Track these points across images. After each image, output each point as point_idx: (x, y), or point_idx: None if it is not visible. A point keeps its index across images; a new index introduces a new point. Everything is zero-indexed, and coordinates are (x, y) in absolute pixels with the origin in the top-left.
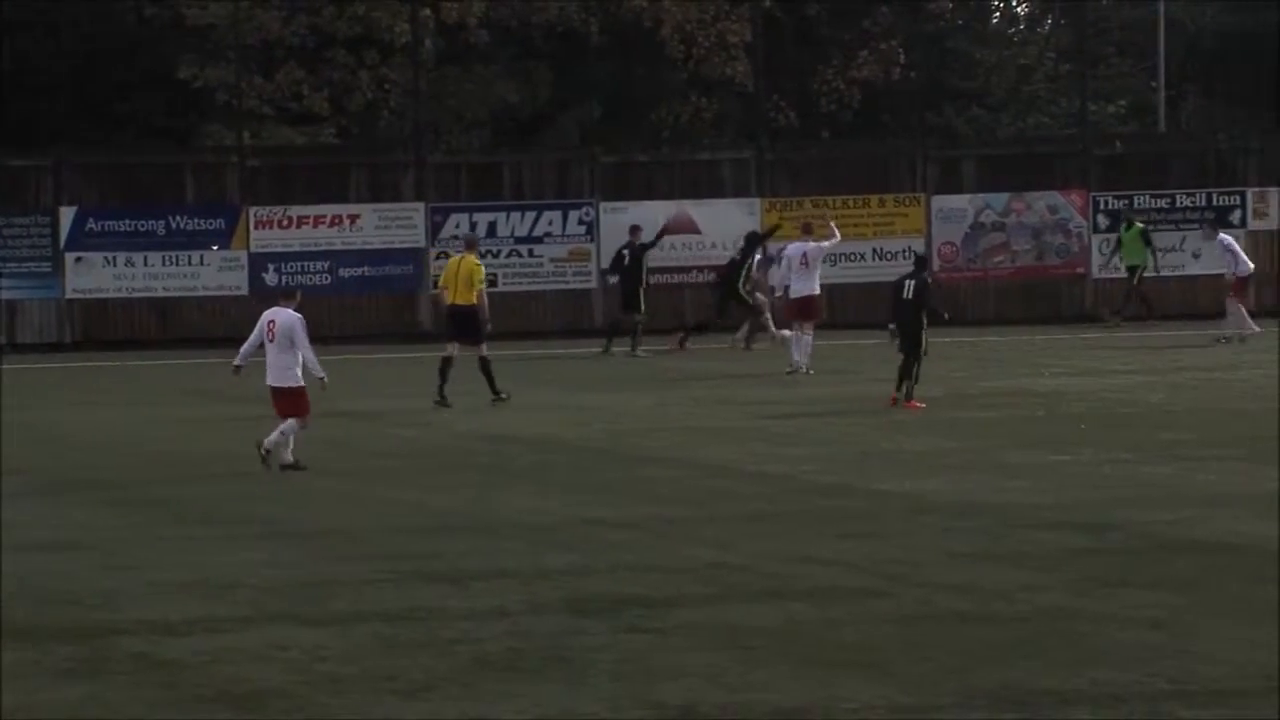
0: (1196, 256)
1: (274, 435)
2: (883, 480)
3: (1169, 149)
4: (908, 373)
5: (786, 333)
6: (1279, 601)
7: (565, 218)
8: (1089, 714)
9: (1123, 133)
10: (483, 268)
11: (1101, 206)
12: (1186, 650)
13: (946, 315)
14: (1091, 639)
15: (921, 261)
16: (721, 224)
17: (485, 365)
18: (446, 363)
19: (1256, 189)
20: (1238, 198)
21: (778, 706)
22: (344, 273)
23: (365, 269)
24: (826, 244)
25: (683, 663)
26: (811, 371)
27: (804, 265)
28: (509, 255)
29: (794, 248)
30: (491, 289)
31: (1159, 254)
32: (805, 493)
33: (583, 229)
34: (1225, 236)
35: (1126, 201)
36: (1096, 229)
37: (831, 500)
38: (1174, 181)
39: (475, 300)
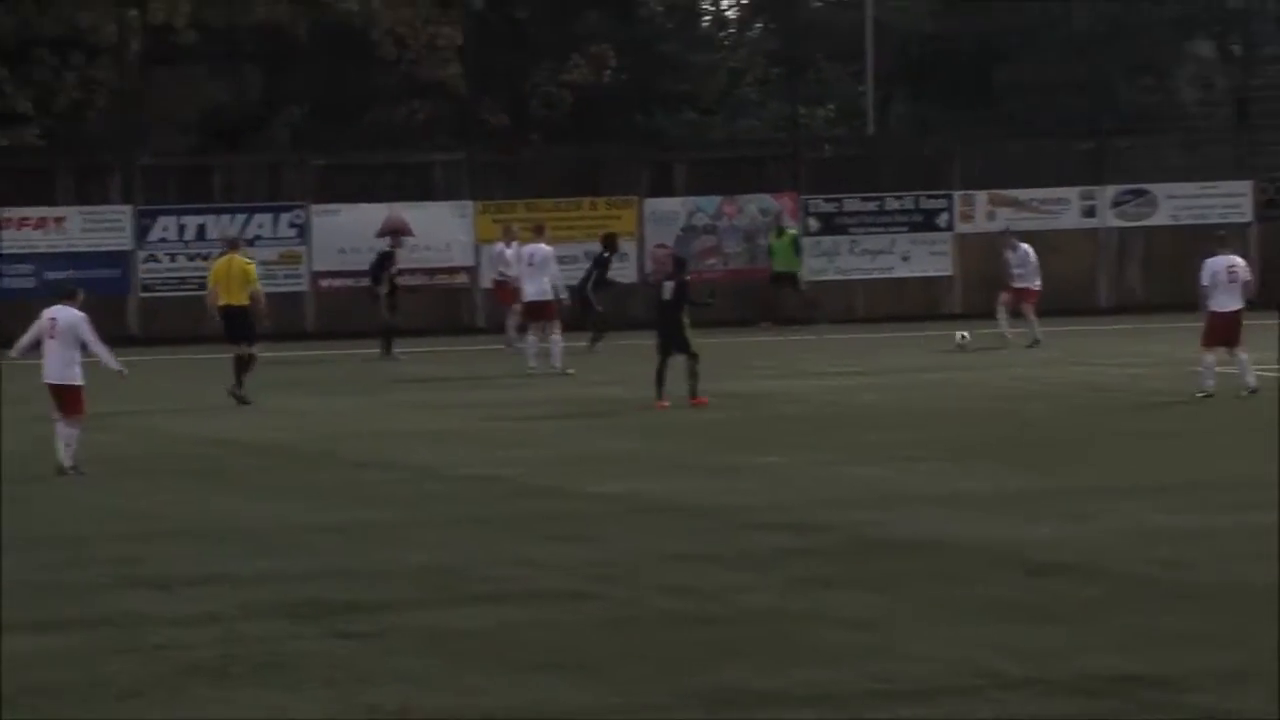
0: (906, 259)
1: (62, 447)
2: (596, 483)
3: (878, 152)
4: (662, 378)
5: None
6: (984, 599)
7: (276, 220)
8: (799, 713)
9: (832, 136)
10: (254, 266)
11: (812, 209)
12: (893, 649)
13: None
14: (801, 639)
15: (680, 263)
16: (434, 227)
17: (247, 362)
18: (239, 361)
19: (963, 192)
20: (945, 200)
21: (490, 709)
22: (50, 275)
23: (71, 272)
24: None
25: (396, 667)
26: (571, 371)
27: (531, 266)
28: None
29: (526, 250)
30: (201, 292)
31: (870, 256)
32: (518, 495)
33: (294, 232)
34: (1025, 246)
35: (836, 204)
36: (807, 231)
37: (545, 503)
38: (883, 184)
39: (248, 300)
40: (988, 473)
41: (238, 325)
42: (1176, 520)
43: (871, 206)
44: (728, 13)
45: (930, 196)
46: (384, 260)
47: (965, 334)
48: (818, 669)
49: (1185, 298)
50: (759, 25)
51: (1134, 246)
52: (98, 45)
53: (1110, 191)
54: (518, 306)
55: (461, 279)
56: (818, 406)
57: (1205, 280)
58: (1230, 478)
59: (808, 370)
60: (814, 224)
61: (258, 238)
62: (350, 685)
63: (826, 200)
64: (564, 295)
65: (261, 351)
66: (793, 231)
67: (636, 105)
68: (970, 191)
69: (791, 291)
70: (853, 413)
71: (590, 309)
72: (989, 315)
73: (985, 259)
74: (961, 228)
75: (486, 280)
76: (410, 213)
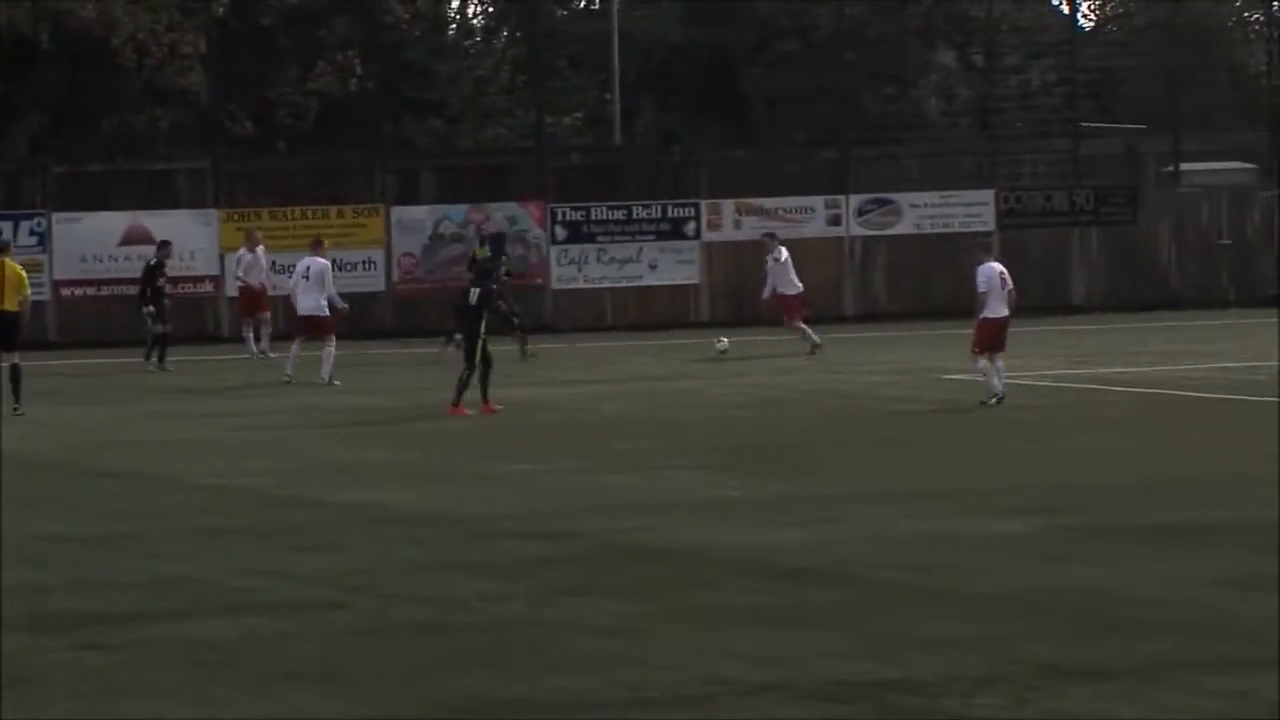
0: (653, 267)
1: None
2: (343, 492)
3: (624, 161)
4: (468, 381)
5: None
6: (734, 606)
7: (16, 229)
8: None
9: (579, 145)
10: (25, 274)
11: (559, 218)
12: (643, 657)
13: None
14: (552, 647)
15: (485, 272)
16: (178, 235)
17: (16, 373)
18: (12, 371)
19: (710, 200)
20: (692, 209)
21: None
22: None
23: None
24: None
25: (144, 679)
26: (338, 383)
27: (306, 280)
28: None
29: (302, 263)
30: None
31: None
32: (264, 506)
33: (35, 240)
34: (782, 249)
35: (583, 212)
36: (555, 240)
37: (291, 512)
38: (630, 193)
39: (19, 306)
40: (737, 479)
41: (5, 333)
42: (925, 525)
43: (619, 215)
44: (474, 21)
45: (677, 205)
46: (152, 272)
47: (724, 340)
48: (568, 677)
49: (928, 305)
50: (505, 33)
51: (878, 255)
52: None
53: (855, 200)
54: (264, 315)
55: (206, 287)
56: (568, 414)
57: (982, 286)
58: (978, 484)
59: (557, 379)
60: (561, 232)
61: None
62: (96, 699)
63: (574, 209)
64: (342, 306)
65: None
66: (489, 250)
67: (383, 113)
68: (717, 200)
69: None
70: (602, 421)
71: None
72: (737, 323)
73: (733, 267)
74: (709, 236)
75: (231, 289)
76: (153, 221)
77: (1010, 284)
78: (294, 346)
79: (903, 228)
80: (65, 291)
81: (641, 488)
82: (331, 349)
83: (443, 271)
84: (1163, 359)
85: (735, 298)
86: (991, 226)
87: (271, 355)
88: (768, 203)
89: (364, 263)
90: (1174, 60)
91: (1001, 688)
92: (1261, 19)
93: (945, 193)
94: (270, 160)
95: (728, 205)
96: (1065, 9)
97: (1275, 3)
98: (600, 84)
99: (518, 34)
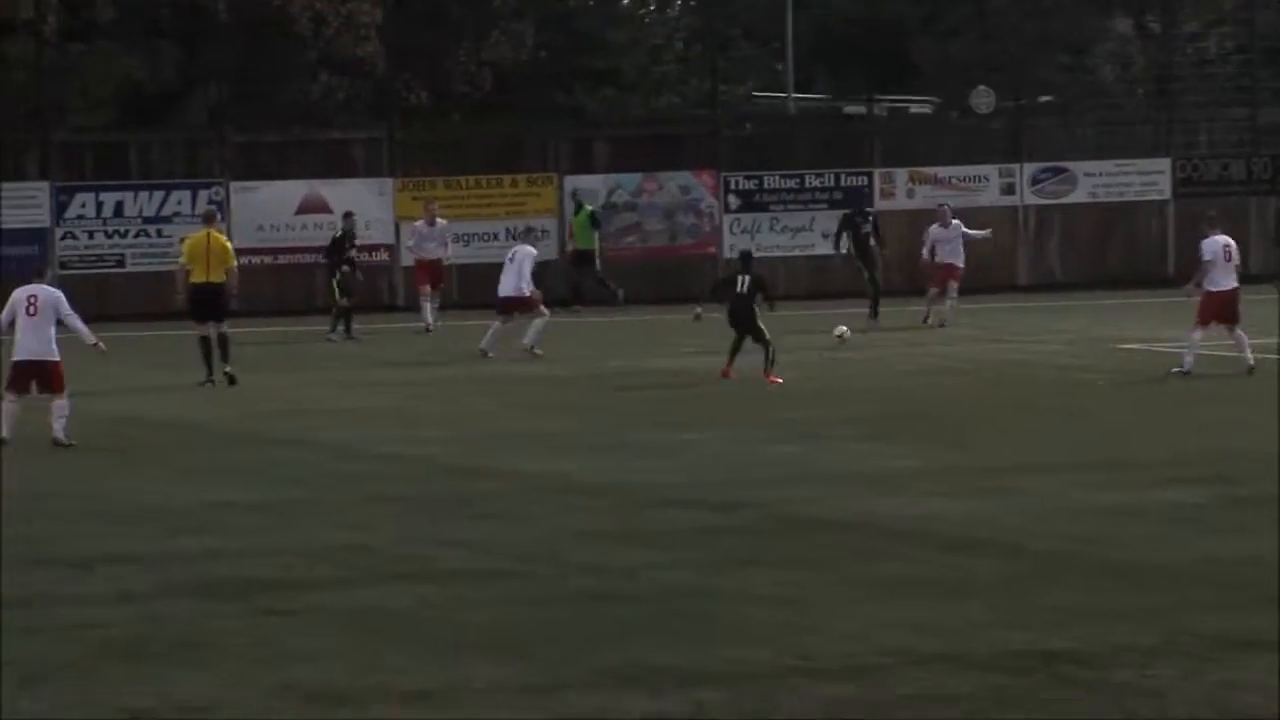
0: (825, 236)
1: (55, 423)
2: (516, 461)
3: (798, 130)
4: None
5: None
6: (903, 577)
7: (194, 198)
8: (719, 692)
9: (753, 113)
10: (230, 245)
11: (733, 187)
12: (814, 627)
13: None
14: (721, 617)
15: (747, 257)
16: (354, 204)
17: (224, 342)
18: (205, 343)
19: (883, 169)
20: (865, 178)
21: (409, 688)
22: None
23: None
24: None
25: (315, 645)
26: (539, 352)
27: (510, 263)
28: (137, 235)
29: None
30: (119, 269)
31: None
32: (438, 474)
33: (213, 209)
34: (957, 222)
35: (756, 181)
36: (728, 209)
37: (464, 482)
38: (803, 162)
39: (225, 277)
40: (907, 449)
41: (212, 304)
42: (1097, 497)
43: (791, 184)
44: None
45: (850, 174)
46: (340, 243)
47: (844, 328)
48: (736, 647)
49: (1103, 275)
50: (679, 2)
51: (1052, 224)
52: (13, 21)
53: (1029, 169)
54: (439, 287)
55: (382, 256)
56: (738, 385)
57: (1207, 257)
58: (1150, 456)
59: (726, 349)
60: (734, 201)
61: (176, 214)
62: (268, 663)
63: (746, 177)
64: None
65: (184, 330)
66: (590, 208)
67: (557, 82)
68: (890, 169)
69: (589, 271)
70: (777, 390)
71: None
72: (911, 292)
73: (906, 236)
74: (882, 205)
75: (407, 259)
76: (330, 190)
77: (1237, 256)
78: (496, 323)
79: (1077, 196)
80: (243, 260)
81: (810, 458)
82: (540, 320)
83: (616, 240)
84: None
85: (909, 267)
86: (1167, 195)
87: (434, 326)
88: (941, 171)
89: (539, 231)
90: None
91: (1174, 659)
92: None
93: (1120, 161)
94: (445, 130)
95: (901, 174)
96: None
97: None
98: (774, 52)
99: (692, 3)
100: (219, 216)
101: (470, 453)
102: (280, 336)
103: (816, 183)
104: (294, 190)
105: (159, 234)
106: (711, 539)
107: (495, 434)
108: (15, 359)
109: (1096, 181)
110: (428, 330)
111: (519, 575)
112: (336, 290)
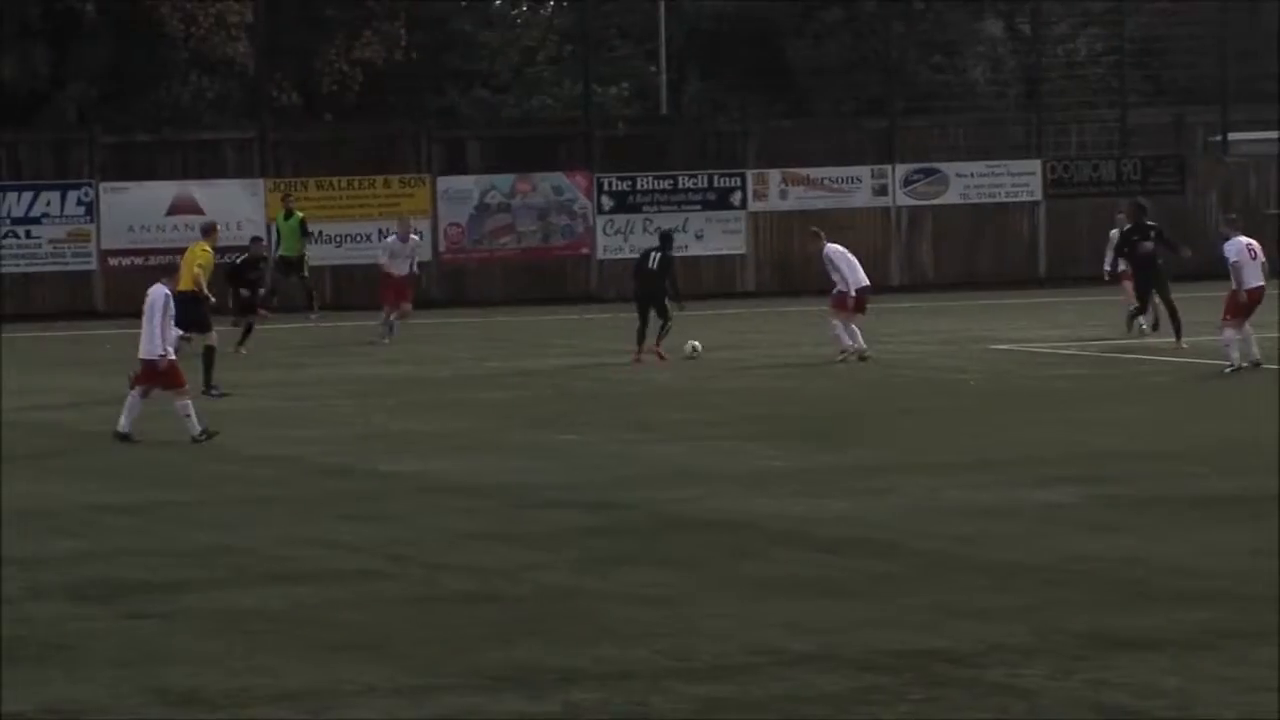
0: (699, 238)
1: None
2: (389, 461)
3: (671, 131)
4: (642, 335)
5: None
6: (777, 576)
7: (64, 198)
8: (594, 692)
9: (626, 115)
10: (210, 254)
11: (606, 188)
12: (689, 627)
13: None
14: (596, 617)
15: (666, 238)
16: (225, 205)
17: (209, 354)
18: (211, 351)
19: (756, 170)
20: (738, 179)
21: (282, 689)
22: None
23: None
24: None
25: (187, 647)
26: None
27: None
28: (6, 236)
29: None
30: None
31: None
32: (311, 475)
33: (82, 210)
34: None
35: (630, 182)
36: (601, 210)
37: (338, 482)
38: (676, 163)
39: (194, 286)
40: (782, 450)
41: (186, 313)
42: (971, 497)
43: (665, 185)
44: None
45: (724, 175)
46: (242, 268)
47: (696, 344)
48: (612, 646)
49: (975, 275)
50: (551, 3)
51: (924, 225)
52: None
53: (901, 170)
54: (406, 306)
55: None
56: (614, 385)
57: (1233, 257)
58: (1022, 455)
59: (604, 349)
60: (607, 203)
61: (45, 215)
62: (141, 666)
63: (620, 179)
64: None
65: (53, 332)
66: (300, 214)
67: (429, 83)
68: (764, 170)
69: (297, 279)
70: (648, 391)
71: None
72: (783, 293)
73: (779, 237)
74: (755, 206)
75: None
76: (200, 191)
77: (1262, 254)
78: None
79: (949, 198)
80: (113, 261)
81: (687, 458)
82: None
83: (489, 241)
84: (1212, 329)
85: (781, 268)
86: (1038, 197)
87: (386, 341)
88: (814, 173)
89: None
90: (1222, 29)
91: (1047, 658)
92: None
93: (992, 162)
94: (317, 130)
95: (774, 175)
96: None
97: None
98: (648, 54)
99: (565, 3)
100: (215, 229)
101: (343, 453)
102: None
103: (690, 184)
104: (165, 191)
105: (28, 235)
106: (587, 539)
107: (369, 435)
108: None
109: (968, 183)
110: (385, 341)
111: (393, 576)
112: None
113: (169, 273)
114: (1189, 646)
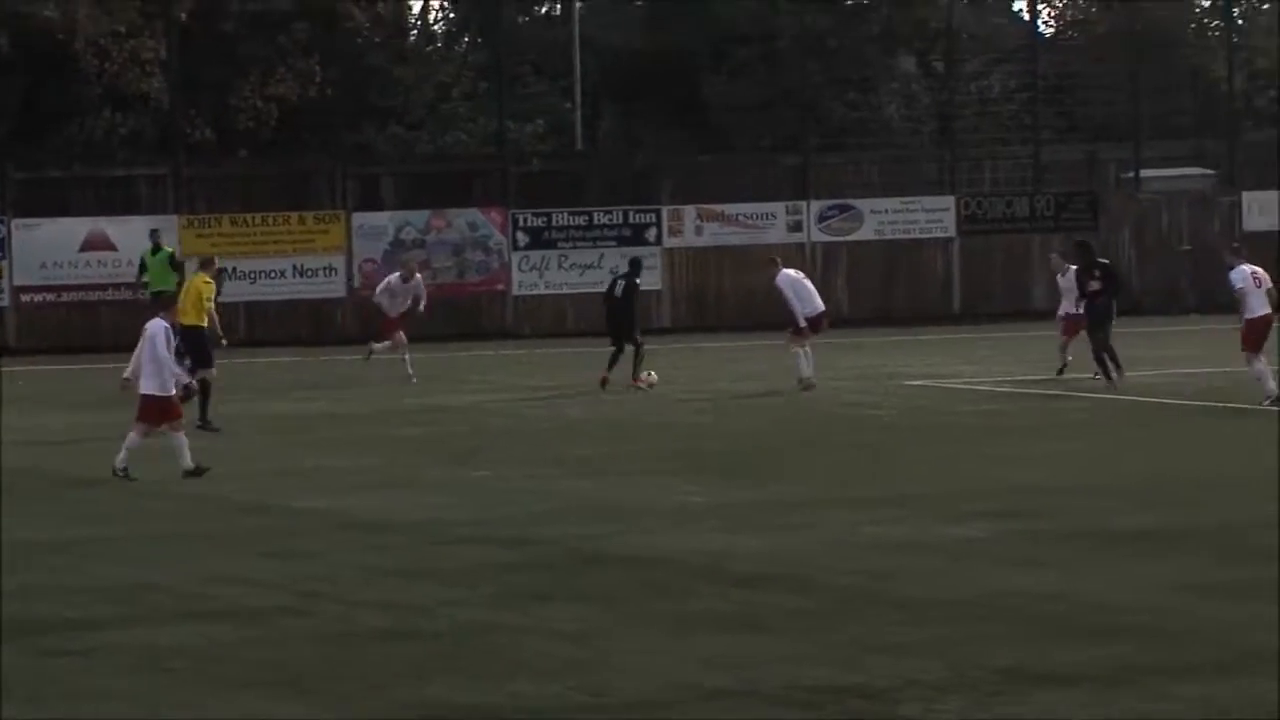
0: (613, 273)
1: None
2: (305, 498)
3: (586, 167)
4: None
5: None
6: (694, 612)
7: None
8: None
9: (541, 151)
10: (212, 286)
11: (521, 224)
12: (606, 662)
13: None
14: (514, 653)
15: (635, 264)
16: (138, 242)
17: (205, 388)
18: (207, 386)
19: (671, 206)
20: (654, 215)
21: None
22: None
23: None
24: None
25: (103, 685)
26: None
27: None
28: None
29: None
30: None
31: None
32: (228, 512)
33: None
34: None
35: (545, 218)
36: (516, 246)
37: (254, 519)
38: (592, 199)
39: (204, 321)
40: (698, 485)
41: (190, 348)
42: (886, 531)
43: (580, 221)
44: (435, 26)
45: (639, 211)
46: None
47: (652, 374)
48: (529, 683)
49: (890, 311)
50: (466, 39)
51: (839, 261)
52: None
53: (816, 206)
54: (399, 337)
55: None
56: (530, 421)
57: (1239, 284)
58: (939, 490)
59: (518, 385)
60: (522, 239)
61: None
62: (57, 704)
63: (535, 215)
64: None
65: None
66: (168, 249)
67: (344, 119)
68: (679, 206)
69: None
70: (565, 427)
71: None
72: (698, 329)
73: (694, 273)
74: (670, 242)
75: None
76: (114, 227)
77: (1267, 281)
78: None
79: (864, 234)
80: (25, 298)
81: (604, 493)
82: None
83: None
84: (1126, 364)
85: (697, 303)
86: (952, 233)
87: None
88: (729, 209)
89: (325, 269)
90: (1134, 67)
91: (963, 693)
92: (1221, 25)
93: (906, 199)
94: (231, 166)
95: (689, 211)
96: (1026, 15)
97: (1235, 9)
98: (563, 90)
99: (479, 40)
100: (215, 262)
101: (259, 490)
102: (64, 375)
103: (605, 220)
104: (77, 227)
105: None
106: (503, 575)
107: (284, 471)
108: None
109: (883, 219)
110: (412, 380)
111: (308, 613)
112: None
113: (166, 307)
114: (1107, 682)
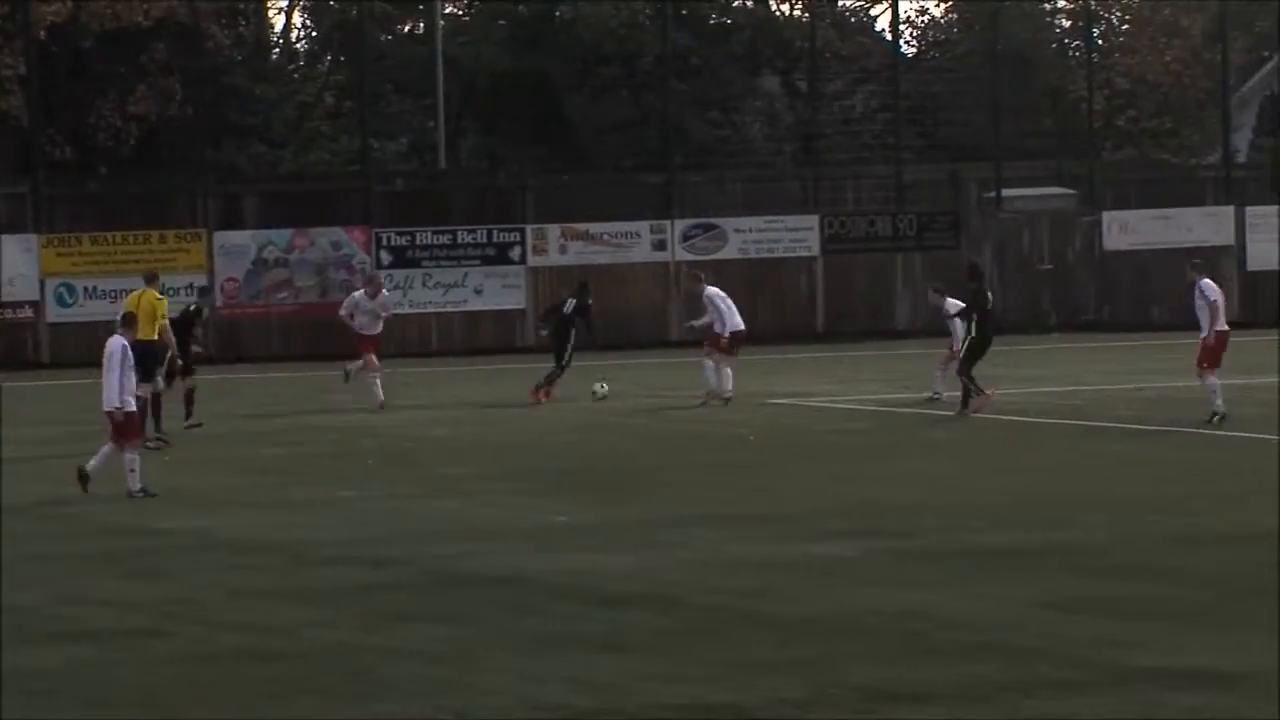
0: (479, 292)
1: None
2: (167, 519)
3: (450, 186)
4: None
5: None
6: (559, 632)
7: None
8: None
9: (404, 170)
10: (165, 302)
11: (384, 243)
12: (470, 683)
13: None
14: (378, 673)
15: (583, 288)
16: None
17: (157, 401)
18: (157, 399)
19: (535, 225)
20: (518, 234)
21: None
22: None
23: None
24: None
25: None
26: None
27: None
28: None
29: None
30: None
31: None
32: (89, 533)
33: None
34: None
35: (409, 237)
36: (379, 265)
37: (117, 540)
38: (456, 218)
39: (157, 335)
40: (563, 505)
41: (144, 362)
42: (752, 550)
43: (444, 240)
44: (297, 45)
45: (503, 230)
46: (190, 320)
47: (603, 385)
48: (394, 702)
49: (753, 330)
50: (329, 58)
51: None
52: None
53: (680, 225)
54: (369, 356)
55: (26, 314)
56: (394, 441)
57: (1213, 297)
58: (801, 508)
59: (386, 403)
60: (386, 257)
61: None
62: None
63: (399, 234)
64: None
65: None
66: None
67: (206, 138)
68: (543, 225)
69: None
70: (429, 447)
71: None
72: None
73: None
74: (534, 261)
75: (52, 315)
76: None
77: (1223, 299)
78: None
79: (728, 252)
80: None
81: (468, 514)
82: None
83: (267, 296)
84: (984, 384)
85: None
86: (816, 252)
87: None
88: (593, 228)
89: (187, 288)
90: (995, 87)
91: (826, 710)
92: (1081, 45)
93: (770, 218)
94: (91, 185)
95: (553, 230)
96: (888, 35)
97: (1094, 29)
98: (426, 109)
99: (342, 58)
100: (158, 277)
101: (124, 511)
102: None
103: (469, 239)
104: None
105: None
106: (368, 596)
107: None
108: None
109: (746, 238)
110: (381, 407)
111: (170, 634)
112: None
113: (127, 324)
114: (963, 699)
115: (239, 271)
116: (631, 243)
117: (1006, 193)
